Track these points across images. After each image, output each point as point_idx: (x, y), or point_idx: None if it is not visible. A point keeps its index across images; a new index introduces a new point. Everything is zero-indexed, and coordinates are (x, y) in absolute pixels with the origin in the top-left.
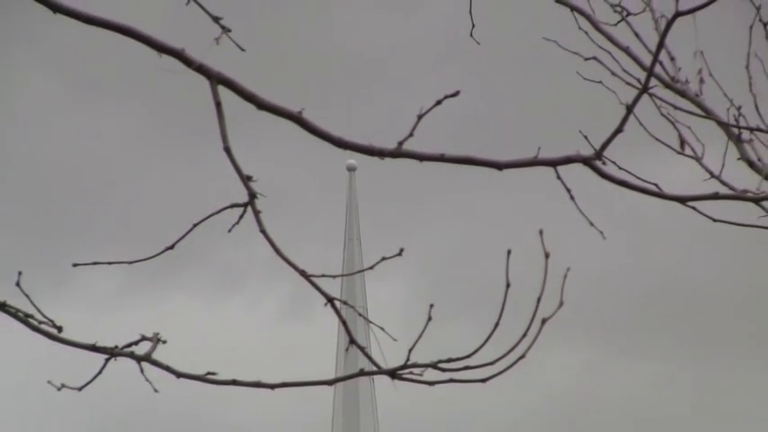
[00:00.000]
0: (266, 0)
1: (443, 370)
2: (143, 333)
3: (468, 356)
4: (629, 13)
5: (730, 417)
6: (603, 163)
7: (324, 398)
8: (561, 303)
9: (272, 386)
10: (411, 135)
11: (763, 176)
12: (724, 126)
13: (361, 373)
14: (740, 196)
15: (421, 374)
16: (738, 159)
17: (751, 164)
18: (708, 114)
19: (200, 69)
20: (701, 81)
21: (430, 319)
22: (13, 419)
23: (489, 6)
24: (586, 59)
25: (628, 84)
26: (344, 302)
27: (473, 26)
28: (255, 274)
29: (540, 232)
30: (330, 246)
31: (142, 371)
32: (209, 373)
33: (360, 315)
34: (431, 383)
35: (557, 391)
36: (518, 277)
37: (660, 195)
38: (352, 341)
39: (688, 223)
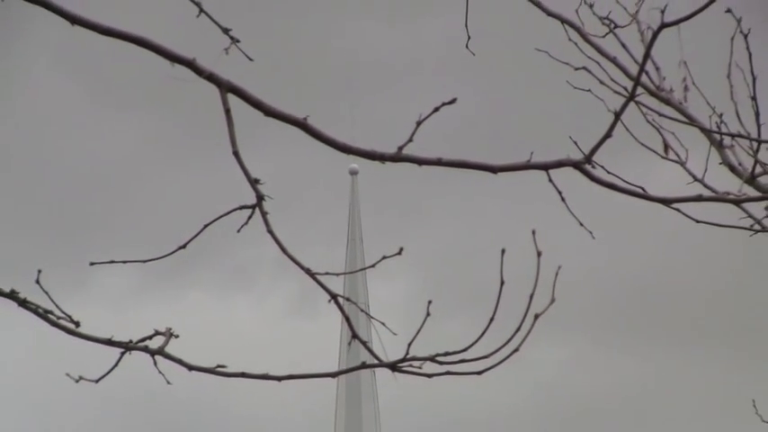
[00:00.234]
0: (273, 13)
1: (441, 363)
2: (157, 328)
3: (464, 350)
4: (616, 26)
5: (708, 405)
6: (593, 167)
7: (328, 389)
8: (553, 300)
9: (279, 378)
10: (410, 140)
11: (744, 180)
12: (706, 132)
13: (363, 365)
14: (722, 198)
15: (420, 367)
16: (720, 164)
17: (732, 168)
18: (691, 121)
19: (211, 78)
20: (685, 90)
21: (428, 314)
22: (34, 409)
23: (484, 19)
24: (576, 69)
25: (615, 92)
26: (347, 299)
27: (469, 38)
28: (264, 272)
29: (533, 232)
30: (334, 245)
31: (155, 364)
32: (219, 366)
33: (362, 311)
34: (429, 376)
35: (548, 383)
36: (512, 275)
37: (646, 197)
38: (355, 336)
39: (672, 224)
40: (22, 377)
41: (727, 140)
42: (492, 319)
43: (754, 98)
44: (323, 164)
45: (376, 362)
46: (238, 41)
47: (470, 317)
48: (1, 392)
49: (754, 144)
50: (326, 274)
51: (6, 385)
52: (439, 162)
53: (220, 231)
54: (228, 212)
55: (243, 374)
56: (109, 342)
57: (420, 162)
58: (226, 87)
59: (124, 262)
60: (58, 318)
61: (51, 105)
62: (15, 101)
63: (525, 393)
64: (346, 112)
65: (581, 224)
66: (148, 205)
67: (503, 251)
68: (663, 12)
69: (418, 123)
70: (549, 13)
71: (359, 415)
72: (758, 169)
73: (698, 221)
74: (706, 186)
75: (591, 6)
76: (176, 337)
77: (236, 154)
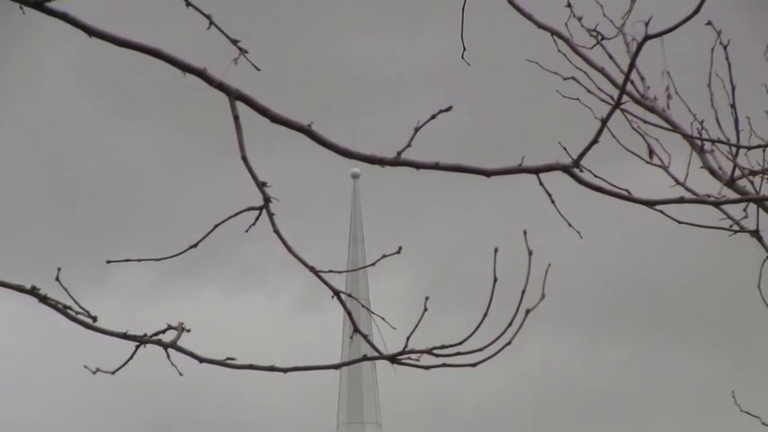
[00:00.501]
0: (280, 24)
1: (437, 355)
2: (169, 323)
3: (459, 344)
4: (603, 38)
5: (690, 396)
6: (581, 171)
7: (331, 380)
8: (543, 296)
9: (285, 370)
10: (409, 146)
11: (723, 183)
12: (688, 138)
13: (364, 358)
14: (703, 201)
15: (418, 359)
16: (701, 168)
17: (712, 172)
18: (674, 128)
19: (221, 87)
20: (668, 98)
21: (426, 310)
22: (54, 398)
23: (479, 32)
24: (565, 79)
25: (602, 100)
26: (349, 295)
27: (464, 49)
28: (271, 270)
29: (524, 233)
30: (336, 245)
31: (168, 356)
32: (228, 359)
33: (363, 306)
34: (426, 367)
35: (539, 375)
36: (504, 273)
37: (631, 200)
38: (356, 330)
39: (656, 225)
40: (43, 369)
41: (707, 146)
42: (486, 315)
43: (733, 106)
44: (326, 168)
45: (376, 354)
46: (246, 52)
47: (465, 312)
48: (23, 382)
49: (733, 149)
50: (330, 272)
51: (28, 375)
52: (436, 166)
53: (230, 232)
54: (237, 213)
55: (251, 366)
56: (124, 336)
57: (418, 166)
58: (234, 95)
59: (139, 260)
60: (77, 313)
61: (71, 113)
62: (37, 109)
63: (517, 384)
64: (348, 119)
65: (570, 225)
66: (162, 207)
67: (496, 250)
68: (647, 24)
69: (416, 129)
70: (540, 26)
71: (360, 404)
72: (737, 173)
73: (680, 222)
74: (688, 189)
75: (579, 19)
76: (188, 331)
77: (244, 158)
